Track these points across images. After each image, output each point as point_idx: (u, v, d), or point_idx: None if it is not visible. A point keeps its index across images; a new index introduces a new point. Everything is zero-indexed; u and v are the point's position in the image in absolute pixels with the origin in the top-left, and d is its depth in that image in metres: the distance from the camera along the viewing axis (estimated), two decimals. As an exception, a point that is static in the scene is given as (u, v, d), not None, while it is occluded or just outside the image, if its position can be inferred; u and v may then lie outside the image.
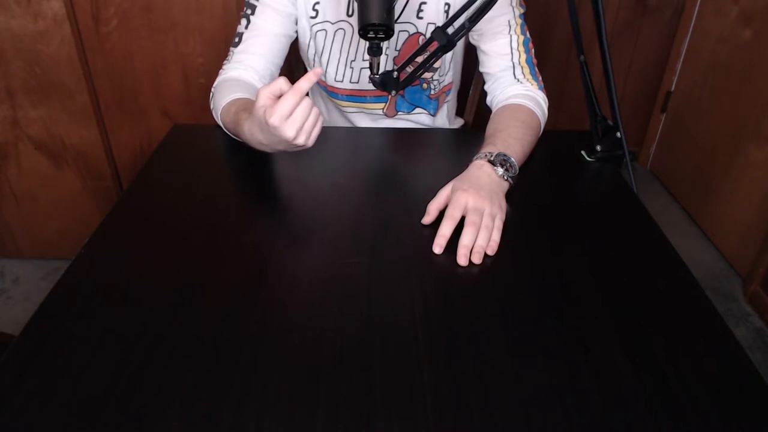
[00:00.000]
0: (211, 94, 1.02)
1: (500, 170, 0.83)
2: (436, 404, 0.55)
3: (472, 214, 0.76)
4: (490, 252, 0.75)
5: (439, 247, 0.75)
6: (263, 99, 0.73)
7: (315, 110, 0.74)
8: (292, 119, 0.71)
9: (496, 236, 0.76)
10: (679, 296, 0.69)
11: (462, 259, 0.73)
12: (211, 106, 1.01)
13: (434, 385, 0.57)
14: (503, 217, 0.79)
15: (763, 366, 1.54)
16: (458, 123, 1.34)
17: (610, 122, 0.97)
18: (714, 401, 0.56)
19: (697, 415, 0.54)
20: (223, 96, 0.95)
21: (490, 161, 0.84)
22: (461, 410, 0.54)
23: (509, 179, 0.84)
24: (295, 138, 0.72)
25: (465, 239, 0.74)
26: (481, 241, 0.75)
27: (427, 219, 0.80)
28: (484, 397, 0.55)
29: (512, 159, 0.85)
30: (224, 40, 1.52)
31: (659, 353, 0.61)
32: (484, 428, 0.53)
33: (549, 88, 1.05)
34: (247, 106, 0.85)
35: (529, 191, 0.88)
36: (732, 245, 1.86)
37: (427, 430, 0.52)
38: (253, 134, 0.79)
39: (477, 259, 0.73)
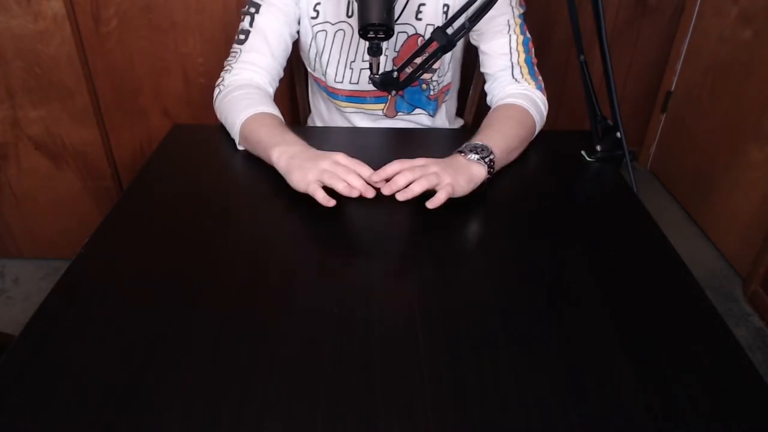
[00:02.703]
0: (216, 91, 1.01)
1: (472, 155, 0.83)
2: (436, 404, 0.55)
3: (423, 168, 0.78)
4: (430, 205, 0.76)
5: (388, 189, 0.76)
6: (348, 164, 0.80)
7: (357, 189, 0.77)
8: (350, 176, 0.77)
9: (442, 196, 0.76)
10: (679, 296, 0.69)
11: (386, 189, 0.75)
12: (216, 106, 1.00)
13: (434, 385, 0.57)
14: (459, 191, 0.79)
15: (763, 366, 1.54)
16: (458, 123, 1.34)
17: (610, 122, 0.97)
18: (714, 401, 0.56)
19: (697, 415, 0.54)
20: (244, 107, 0.94)
21: (460, 151, 0.85)
22: (461, 410, 0.54)
23: (481, 160, 0.83)
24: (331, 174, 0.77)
25: (400, 179, 0.76)
26: (416, 187, 0.75)
27: (375, 176, 0.79)
28: (484, 397, 0.55)
29: (486, 144, 0.85)
30: (224, 40, 1.52)
31: (659, 353, 0.61)
32: (484, 428, 0.53)
33: (549, 88, 1.05)
34: (276, 131, 0.89)
35: (529, 191, 0.88)
36: (732, 245, 1.86)
37: (427, 430, 0.52)
38: (296, 157, 0.82)
39: (401, 197, 0.75)
